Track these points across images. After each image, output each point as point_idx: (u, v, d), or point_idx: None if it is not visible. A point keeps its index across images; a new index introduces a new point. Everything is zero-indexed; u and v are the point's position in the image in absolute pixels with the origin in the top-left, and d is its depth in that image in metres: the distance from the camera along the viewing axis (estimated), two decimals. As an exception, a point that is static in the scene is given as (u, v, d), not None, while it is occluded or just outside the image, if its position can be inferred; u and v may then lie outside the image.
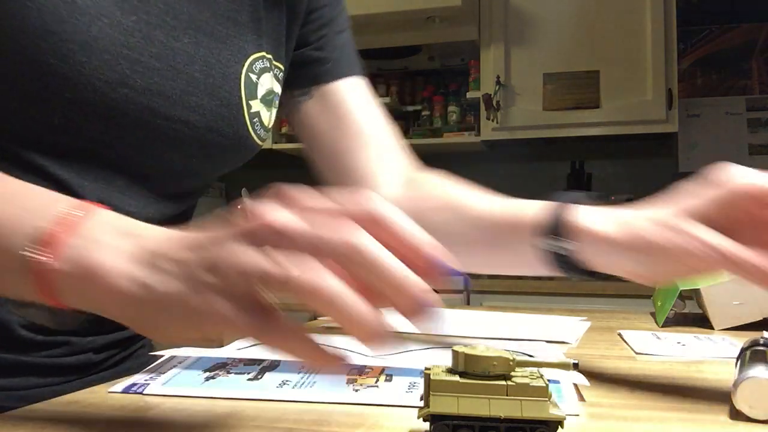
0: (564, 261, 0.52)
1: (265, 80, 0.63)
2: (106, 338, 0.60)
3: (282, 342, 0.34)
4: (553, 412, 0.33)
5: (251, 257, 0.32)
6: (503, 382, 0.33)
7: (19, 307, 0.45)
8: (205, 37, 0.56)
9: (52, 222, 0.37)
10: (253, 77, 0.62)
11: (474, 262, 0.61)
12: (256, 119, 0.62)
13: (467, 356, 0.34)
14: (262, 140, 0.64)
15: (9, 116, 0.49)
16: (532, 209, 0.55)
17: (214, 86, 0.57)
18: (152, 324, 0.36)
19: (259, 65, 0.62)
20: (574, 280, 0.53)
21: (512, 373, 0.33)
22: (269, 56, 0.64)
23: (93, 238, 0.36)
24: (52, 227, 0.36)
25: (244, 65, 0.60)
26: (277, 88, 0.67)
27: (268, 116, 0.65)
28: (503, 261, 0.61)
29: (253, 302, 0.33)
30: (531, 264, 0.55)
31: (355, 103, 0.72)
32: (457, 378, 0.33)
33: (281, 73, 0.67)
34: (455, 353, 0.34)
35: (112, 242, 0.36)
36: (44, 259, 0.36)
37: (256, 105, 0.62)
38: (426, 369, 0.35)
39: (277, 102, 0.67)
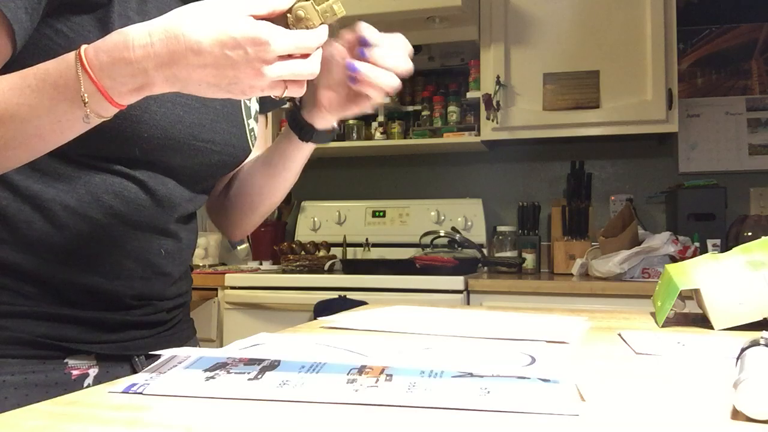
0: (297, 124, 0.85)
1: (253, 103, 0.88)
2: (171, 302, 0.83)
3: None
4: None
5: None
6: None
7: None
8: None
9: (76, 71, 0.55)
10: (247, 102, 0.85)
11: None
12: (252, 132, 0.85)
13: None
14: (253, 146, 0.87)
15: (104, 147, 0.70)
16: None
17: (228, 114, 0.80)
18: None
19: None
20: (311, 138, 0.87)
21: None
22: None
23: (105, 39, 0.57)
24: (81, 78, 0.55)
25: None
26: (258, 107, 0.90)
27: (256, 128, 0.88)
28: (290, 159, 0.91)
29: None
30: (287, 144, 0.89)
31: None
32: None
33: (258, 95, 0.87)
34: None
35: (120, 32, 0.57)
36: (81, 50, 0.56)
37: (251, 122, 0.86)
38: None
39: (258, 117, 0.91)
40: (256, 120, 0.89)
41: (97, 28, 0.66)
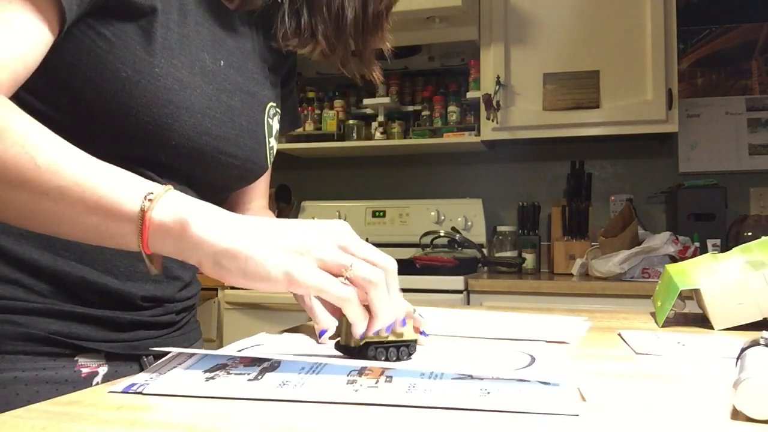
0: None
1: (275, 122, 0.89)
2: (181, 304, 0.84)
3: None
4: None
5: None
6: None
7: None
8: (245, 95, 0.80)
9: (151, 188, 0.55)
10: (270, 121, 0.87)
11: None
12: (271, 150, 0.88)
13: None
14: (271, 164, 0.90)
15: (133, 151, 0.70)
16: None
17: (252, 130, 0.81)
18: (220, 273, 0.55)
19: (272, 111, 0.88)
20: None
21: None
22: (274, 103, 0.88)
23: (180, 202, 0.55)
24: (154, 190, 0.55)
25: (265, 112, 0.85)
26: (278, 126, 0.91)
27: (275, 147, 0.90)
28: None
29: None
30: None
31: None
32: None
33: (279, 115, 0.91)
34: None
35: (196, 207, 0.55)
36: (151, 205, 0.54)
37: (272, 141, 0.88)
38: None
39: (277, 135, 0.92)
40: (276, 139, 0.91)
41: (140, 35, 0.67)
